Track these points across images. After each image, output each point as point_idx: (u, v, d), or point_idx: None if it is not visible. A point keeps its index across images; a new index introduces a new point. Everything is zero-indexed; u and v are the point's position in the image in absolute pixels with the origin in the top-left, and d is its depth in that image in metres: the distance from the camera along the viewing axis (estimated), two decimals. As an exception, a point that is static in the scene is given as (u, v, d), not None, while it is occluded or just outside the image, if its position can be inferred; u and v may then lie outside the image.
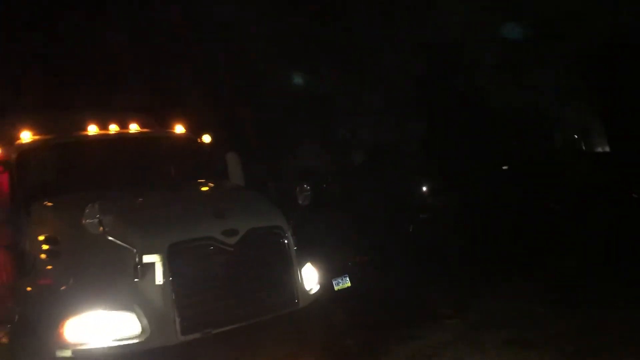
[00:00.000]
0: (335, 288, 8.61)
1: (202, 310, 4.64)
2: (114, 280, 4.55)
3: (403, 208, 17.96)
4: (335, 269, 8.73)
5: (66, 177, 5.93)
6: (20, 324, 5.13)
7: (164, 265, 4.53)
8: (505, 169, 20.16)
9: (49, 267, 5.19)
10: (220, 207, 5.04)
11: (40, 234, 5.35)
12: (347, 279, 8.79)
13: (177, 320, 4.48)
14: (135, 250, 4.48)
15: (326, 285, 8.63)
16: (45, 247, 5.28)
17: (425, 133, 20.30)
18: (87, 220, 4.40)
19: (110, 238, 4.44)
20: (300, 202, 5.68)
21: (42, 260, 5.29)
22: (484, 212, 14.41)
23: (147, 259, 4.50)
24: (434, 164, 19.58)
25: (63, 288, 4.84)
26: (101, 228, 4.42)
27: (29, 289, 5.22)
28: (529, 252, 11.03)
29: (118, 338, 4.37)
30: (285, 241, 5.24)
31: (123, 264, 4.52)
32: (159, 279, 4.50)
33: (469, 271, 10.56)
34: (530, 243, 11.60)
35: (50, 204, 5.50)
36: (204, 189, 6.22)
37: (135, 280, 4.46)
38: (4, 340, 5.82)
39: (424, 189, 23.88)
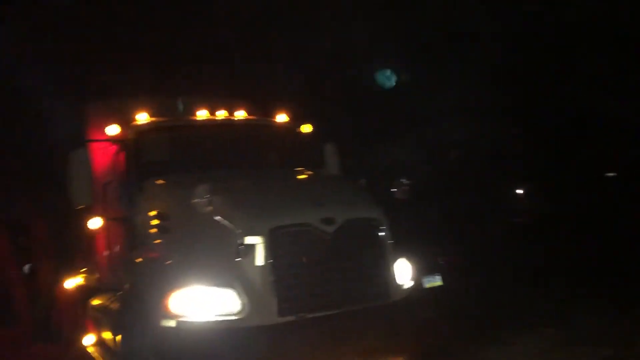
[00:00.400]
0: (426, 285, 8.52)
1: (298, 294, 4.76)
2: (217, 258, 4.78)
3: (497, 210, 17.41)
4: (427, 267, 8.63)
5: (177, 157, 6.29)
6: (129, 292, 5.51)
7: (265, 247, 4.69)
8: (611, 176, 19.00)
9: (158, 241, 5.53)
10: (320, 196, 5.14)
11: (151, 210, 5.71)
12: (439, 277, 8.66)
13: (275, 301, 4.63)
14: (239, 231, 4.66)
15: (417, 282, 8.63)
16: (155, 222, 5.63)
17: (525, 135, 19.49)
18: (197, 200, 4.64)
19: (216, 218, 4.65)
20: (397, 196, 5.66)
21: (152, 234, 5.65)
22: (587, 221, 13.68)
23: (249, 240, 4.68)
24: (533, 167, 18.81)
25: (170, 262, 5.15)
26: (209, 208, 4.65)
27: (138, 260, 5.59)
28: (636, 267, 10.32)
29: (218, 313, 4.58)
30: (382, 234, 5.25)
31: (227, 243, 4.72)
32: (260, 260, 4.67)
33: (565, 281, 10.08)
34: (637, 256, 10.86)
35: (162, 182, 5.85)
36: (304, 176, 6.35)
37: (237, 259, 4.65)
38: (114, 306, 6.30)
39: (520, 191, 23.01)
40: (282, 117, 7.17)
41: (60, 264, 9.46)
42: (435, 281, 8.81)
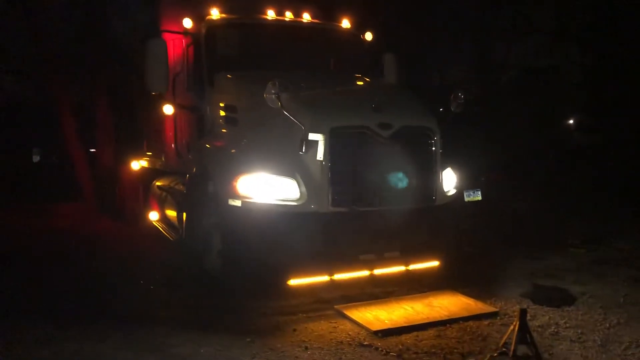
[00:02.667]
0: (466, 199, 8.92)
1: (352, 190, 5.24)
2: (282, 150, 5.27)
3: (548, 137, 17.34)
4: (469, 181, 9.00)
5: (246, 54, 6.64)
6: (197, 175, 6.10)
7: (325, 144, 5.13)
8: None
9: (226, 130, 6.03)
10: (379, 101, 5.46)
11: (221, 101, 6.18)
12: (479, 192, 9.02)
13: (330, 193, 5.14)
14: (303, 127, 5.09)
15: (459, 193, 9.06)
16: (224, 113, 6.11)
17: (591, 64, 18.81)
18: (267, 95, 5.04)
19: (285, 112, 5.07)
20: (452, 108, 5.93)
21: (221, 124, 6.15)
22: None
23: (312, 136, 5.11)
24: (591, 98, 18.38)
25: (234, 151, 5.67)
26: (278, 103, 5.06)
27: (208, 146, 6.13)
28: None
29: (280, 198, 5.13)
30: (433, 143, 5.60)
31: (291, 137, 5.18)
32: (320, 155, 5.12)
33: (604, 209, 10.35)
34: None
35: (231, 76, 6.25)
36: (365, 83, 6.65)
37: (300, 153, 5.11)
38: (179, 187, 6.95)
39: (572, 122, 22.61)
40: (345, 23, 7.36)
41: (125, 146, 10.19)
42: (475, 196, 9.22)
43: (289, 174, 5.15)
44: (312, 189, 5.15)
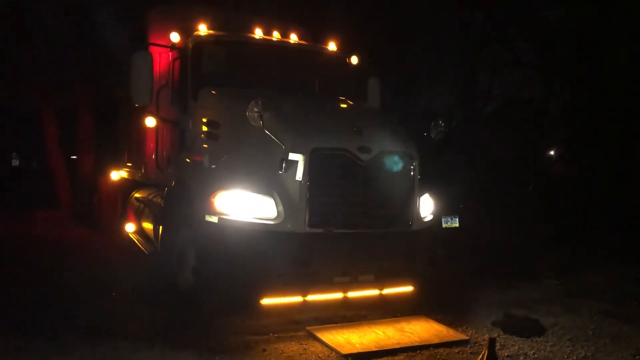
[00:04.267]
0: (444, 225, 9.01)
1: (329, 211, 5.26)
2: (261, 168, 5.28)
3: (527, 166, 17.55)
4: (447, 208, 9.09)
5: (232, 71, 6.67)
6: (175, 188, 6.08)
7: (305, 164, 5.15)
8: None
9: (207, 145, 6.03)
10: (360, 125, 5.51)
11: (203, 117, 6.19)
12: (457, 219, 9.14)
13: (307, 213, 5.15)
14: (284, 147, 5.12)
15: (437, 219, 9.12)
16: (206, 128, 6.11)
17: (571, 97, 19.19)
18: (250, 113, 5.07)
19: (266, 132, 5.09)
20: (432, 135, 6.01)
21: (202, 139, 6.15)
22: (616, 190, 13.81)
23: (292, 156, 5.14)
24: (571, 130, 18.68)
25: (215, 166, 5.67)
26: (260, 121, 5.09)
27: (187, 160, 6.12)
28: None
29: (257, 216, 5.12)
30: (412, 168, 5.65)
31: (271, 156, 5.20)
32: (299, 175, 5.14)
33: (579, 241, 10.48)
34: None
35: (215, 92, 6.28)
36: (347, 106, 6.71)
37: (280, 172, 5.13)
38: (157, 199, 6.91)
39: (552, 153, 22.93)
40: (332, 46, 7.45)
41: (106, 156, 10.13)
42: (453, 222, 9.31)
43: (267, 192, 5.16)
44: (290, 208, 5.16)
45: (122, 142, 9.04)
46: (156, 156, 7.18)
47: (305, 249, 5.15)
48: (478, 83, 20.87)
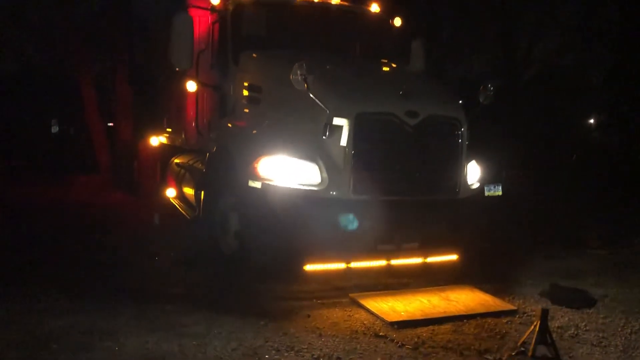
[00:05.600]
0: (487, 193, 8.77)
1: (375, 177, 5.14)
2: (305, 133, 5.16)
3: (566, 134, 17.07)
4: (490, 175, 8.85)
5: (273, 34, 6.52)
6: (217, 154, 6.03)
7: (349, 130, 5.01)
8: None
9: (249, 110, 5.93)
10: (407, 89, 5.32)
11: (245, 81, 6.08)
12: (500, 187, 8.88)
13: (352, 180, 5.04)
14: (328, 111, 4.98)
15: (480, 188, 8.91)
16: (248, 93, 6.01)
17: (613, 64, 18.45)
18: (293, 76, 4.93)
19: (310, 95, 4.96)
20: (481, 100, 5.78)
21: (244, 103, 6.05)
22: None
23: (336, 121, 5.00)
24: (610, 98, 18.05)
25: (256, 132, 5.58)
26: (303, 85, 4.95)
27: (229, 125, 6.04)
28: None
29: (301, 182, 5.04)
30: (460, 134, 5.46)
31: (315, 121, 5.08)
32: (344, 141, 5.01)
33: (626, 210, 10.16)
34: None
35: (256, 55, 6.14)
36: (391, 69, 6.51)
37: (323, 137, 5.00)
38: (199, 165, 6.88)
39: (592, 121, 22.25)
40: (374, 7, 7.20)
41: (144, 122, 10.15)
42: (496, 191, 9.06)
43: (311, 158, 5.05)
44: (334, 175, 5.05)
45: (162, 107, 9.02)
46: (197, 121, 7.13)
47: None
48: (517, 49, 20.21)
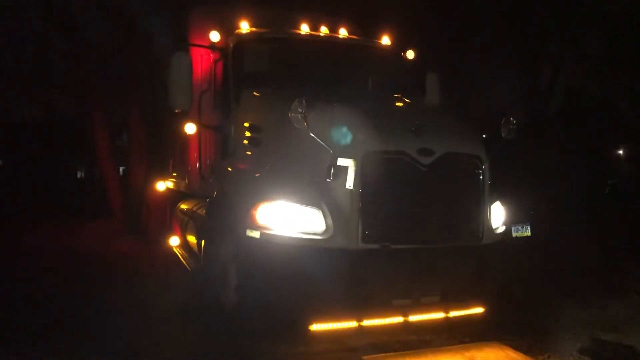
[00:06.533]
0: (514, 234, 8.12)
1: (385, 224, 4.59)
2: (307, 176, 4.67)
3: (595, 167, 16.33)
4: (517, 215, 8.23)
5: (276, 70, 6.14)
6: (217, 199, 5.57)
7: (356, 171, 4.50)
8: None
9: (250, 152, 5.49)
10: (419, 124, 4.82)
11: (246, 121, 5.66)
12: (528, 227, 8.22)
13: (360, 227, 4.50)
14: (332, 152, 4.50)
15: (508, 229, 8.26)
16: (249, 133, 5.59)
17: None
18: (293, 114, 4.49)
19: (311, 134, 4.50)
20: (503, 134, 5.25)
21: (244, 145, 5.62)
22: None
23: (341, 162, 4.51)
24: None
25: (259, 174, 5.12)
26: (304, 123, 4.50)
27: (229, 169, 5.61)
28: None
29: (303, 231, 4.52)
30: (481, 172, 4.92)
31: (318, 162, 4.59)
32: (350, 183, 4.50)
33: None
34: None
35: (258, 94, 5.75)
36: (404, 103, 6.03)
37: (328, 180, 4.51)
38: (201, 211, 6.44)
39: (621, 152, 21.38)
40: (385, 40, 6.80)
41: (154, 166, 9.85)
42: (525, 231, 8.39)
43: (314, 203, 4.54)
44: (340, 221, 4.52)
45: (167, 151, 8.69)
46: (199, 165, 6.74)
47: (359, 268, 4.50)
48: (541, 79, 19.66)
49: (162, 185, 8.80)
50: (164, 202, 8.79)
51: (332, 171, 4.50)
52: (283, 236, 4.51)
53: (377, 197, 4.58)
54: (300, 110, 4.46)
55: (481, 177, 4.92)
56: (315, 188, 4.60)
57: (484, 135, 5.63)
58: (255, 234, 4.59)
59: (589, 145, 18.34)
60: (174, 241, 7.48)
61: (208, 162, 6.53)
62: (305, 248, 4.49)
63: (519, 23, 17.94)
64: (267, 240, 4.54)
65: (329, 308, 4.54)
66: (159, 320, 5.68)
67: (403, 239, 4.62)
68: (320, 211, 4.54)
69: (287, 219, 4.54)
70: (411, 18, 12.80)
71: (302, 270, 4.43)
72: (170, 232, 7.85)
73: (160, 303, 6.12)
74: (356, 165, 4.51)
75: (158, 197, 9.02)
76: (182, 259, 6.95)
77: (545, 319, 6.01)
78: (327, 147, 4.51)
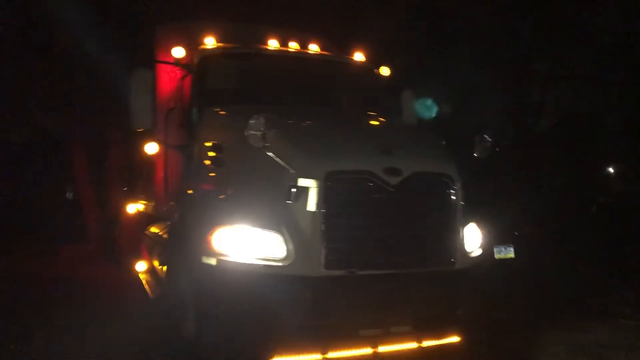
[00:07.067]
0: (496, 256, 7.84)
1: (351, 248, 4.29)
2: (267, 198, 4.37)
3: (586, 186, 16.13)
4: (500, 237, 7.95)
5: (242, 87, 5.90)
6: (177, 224, 5.27)
7: (319, 192, 4.22)
8: None
9: (211, 174, 5.20)
10: (387, 143, 4.57)
11: (208, 140, 5.38)
12: (512, 249, 7.95)
13: (323, 252, 4.19)
14: (292, 172, 4.23)
15: (487, 252, 7.95)
16: (211, 153, 5.30)
17: (631, 110, 17.71)
18: (251, 132, 4.22)
19: (269, 154, 4.22)
20: (476, 153, 5.00)
21: (206, 166, 5.33)
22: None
23: (303, 182, 4.23)
24: (631, 145, 17.21)
25: (220, 197, 4.82)
26: (264, 142, 4.23)
27: (190, 192, 5.32)
28: None
29: (262, 257, 4.21)
30: (453, 193, 4.64)
31: (279, 183, 4.31)
32: (312, 205, 4.21)
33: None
34: None
35: (221, 111, 5.48)
36: (374, 122, 5.77)
37: (288, 202, 4.22)
38: (166, 236, 6.12)
39: (612, 170, 21.26)
40: (358, 56, 6.58)
41: (128, 188, 9.54)
42: (508, 253, 8.11)
43: (274, 227, 4.24)
44: (302, 246, 4.22)
45: (138, 172, 8.39)
46: (165, 187, 6.43)
47: (322, 297, 4.19)
48: (528, 98, 19.54)
49: (133, 208, 8.49)
50: (134, 226, 8.45)
51: (292, 192, 4.22)
52: (240, 263, 4.20)
53: (341, 220, 4.28)
54: (258, 128, 4.19)
55: (453, 198, 4.64)
56: (275, 211, 4.29)
57: (463, 153, 5.36)
58: (212, 261, 4.28)
59: (578, 163, 18.17)
60: (141, 267, 7.15)
61: (173, 183, 6.23)
62: (264, 275, 4.18)
63: (507, 40, 17.87)
64: (223, 268, 4.22)
65: (291, 339, 4.21)
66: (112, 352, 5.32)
67: (370, 264, 4.32)
68: (280, 235, 4.23)
69: (244, 244, 4.22)
70: (395, 35, 12.65)
71: (261, 299, 4.11)
72: (138, 256, 7.51)
73: (117, 333, 5.75)
74: (318, 186, 4.22)
75: (129, 220, 8.69)
76: (146, 285, 6.61)
77: (528, 345, 5.70)
78: (287, 167, 4.24)
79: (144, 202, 8.04)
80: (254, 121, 4.22)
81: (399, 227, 4.42)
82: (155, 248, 6.66)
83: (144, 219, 7.94)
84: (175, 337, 4.98)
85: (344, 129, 4.96)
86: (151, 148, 6.03)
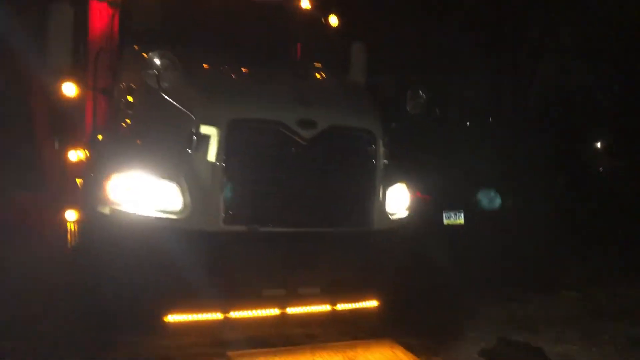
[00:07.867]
0: (445, 222, 7.62)
1: (254, 203, 4.00)
2: (167, 146, 4.05)
3: (562, 159, 15.90)
4: (450, 201, 7.70)
5: (168, 27, 5.46)
6: (85, 170, 4.99)
7: (220, 141, 3.90)
8: None
9: (121, 118, 4.85)
10: (306, 93, 4.22)
11: (124, 82, 5.01)
12: (462, 215, 7.72)
13: (222, 205, 3.90)
14: (193, 118, 3.89)
15: (433, 217, 7.70)
16: (123, 97, 4.93)
17: (622, 86, 17.37)
18: (145, 71, 3.86)
19: (168, 98, 3.88)
20: (408, 108, 4.67)
21: (120, 109, 4.97)
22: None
23: (204, 130, 3.90)
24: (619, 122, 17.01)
25: (120, 142, 4.52)
26: (163, 84, 3.88)
27: (99, 137, 4.98)
28: None
29: (157, 209, 3.92)
30: (374, 150, 4.32)
31: (179, 130, 3.98)
32: (212, 155, 3.90)
33: (612, 249, 8.89)
34: None
35: (138, 50, 5.07)
36: (303, 72, 5.37)
37: (188, 150, 3.90)
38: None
39: (598, 145, 21.02)
40: (305, 2, 6.13)
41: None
42: (457, 219, 7.89)
43: (172, 177, 3.92)
44: (200, 199, 3.92)
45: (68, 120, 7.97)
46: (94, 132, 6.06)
47: (221, 254, 3.92)
48: (517, 72, 19.08)
49: (74, 156, 8.11)
50: (75, 174, 8.09)
51: (193, 140, 3.89)
52: (134, 214, 3.91)
53: (245, 172, 3.98)
54: (152, 67, 3.83)
55: (374, 155, 4.33)
56: (175, 160, 3.97)
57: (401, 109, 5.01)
58: (106, 210, 3.98)
59: (563, 136, 17.91)
60: (71, 216, 6.83)
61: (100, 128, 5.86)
62: (160, 229, 3.89)
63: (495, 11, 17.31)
64: (117, 218, 3.93)
65: (189, 297, 3.96)
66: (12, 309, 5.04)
67: (274, 221, 4.04)
68: (178, 186, 3.93)
69: (139, 194, 3.92)
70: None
71: (155, 254, 3.83)
72: (70, 204, 7.18)
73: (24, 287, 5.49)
74: (220, 135, 3.90)
75: (69, 168, 8.32)
76: (68, 236, 6.30)
77: (456, 315, 5.49)
78: (187, 113, 3.90)
79: (84, 149, 7.67)
80: (148, 60, 3.86)
81: (309, 184, 4.12)
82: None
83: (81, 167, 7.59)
84: (81, 292, 4.73)
85: (265, 76, 4.58)
86: (68, 89, 5.61)
